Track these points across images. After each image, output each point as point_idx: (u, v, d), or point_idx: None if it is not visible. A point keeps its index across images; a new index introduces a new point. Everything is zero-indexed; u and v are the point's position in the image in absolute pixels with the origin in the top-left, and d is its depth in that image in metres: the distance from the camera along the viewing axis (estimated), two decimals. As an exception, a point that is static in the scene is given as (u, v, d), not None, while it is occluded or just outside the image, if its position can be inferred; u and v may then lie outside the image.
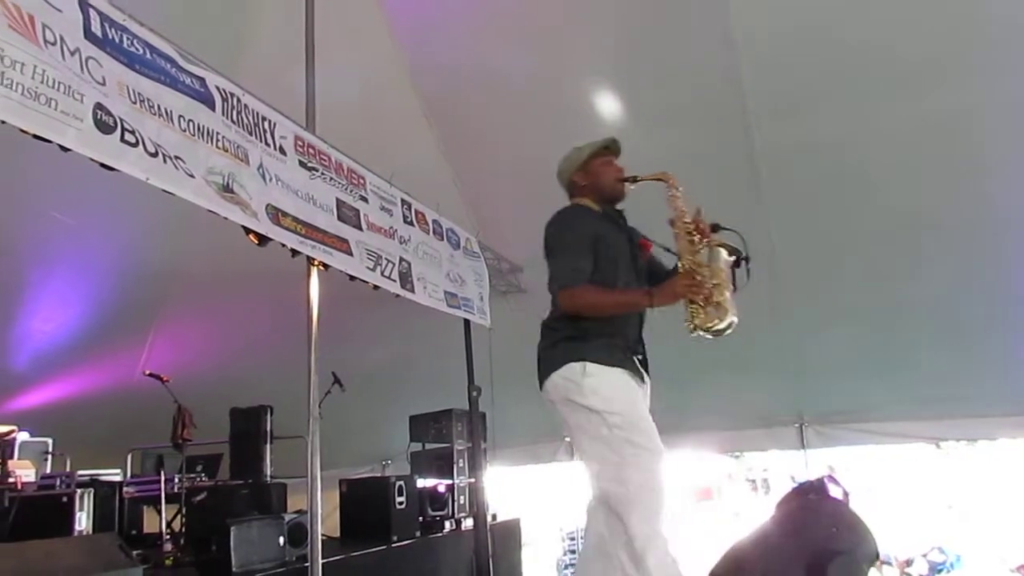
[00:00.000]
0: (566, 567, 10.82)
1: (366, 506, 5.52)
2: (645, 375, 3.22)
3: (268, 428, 6.05)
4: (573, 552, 10.85)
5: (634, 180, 3.32)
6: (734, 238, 3.14)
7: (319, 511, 4.13)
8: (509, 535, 6.61)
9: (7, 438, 4.48)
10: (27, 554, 3.02)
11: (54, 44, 2.77)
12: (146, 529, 5.79)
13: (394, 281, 4.90)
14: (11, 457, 4.51)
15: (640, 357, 3.24)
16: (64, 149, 2.78)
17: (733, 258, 3.09)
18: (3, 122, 2.60)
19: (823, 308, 6.91)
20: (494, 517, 6.39)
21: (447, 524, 6.14)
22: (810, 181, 6.10)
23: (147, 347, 7.51)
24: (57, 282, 6.77)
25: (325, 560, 4.12)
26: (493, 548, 5.84)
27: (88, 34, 2.93)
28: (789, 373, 7.35)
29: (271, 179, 3.86)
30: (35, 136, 2.70)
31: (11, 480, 4.38)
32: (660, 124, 6.10)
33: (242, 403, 6.15)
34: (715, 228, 3.13)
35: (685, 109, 5.90)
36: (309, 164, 4.25)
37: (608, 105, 6.07)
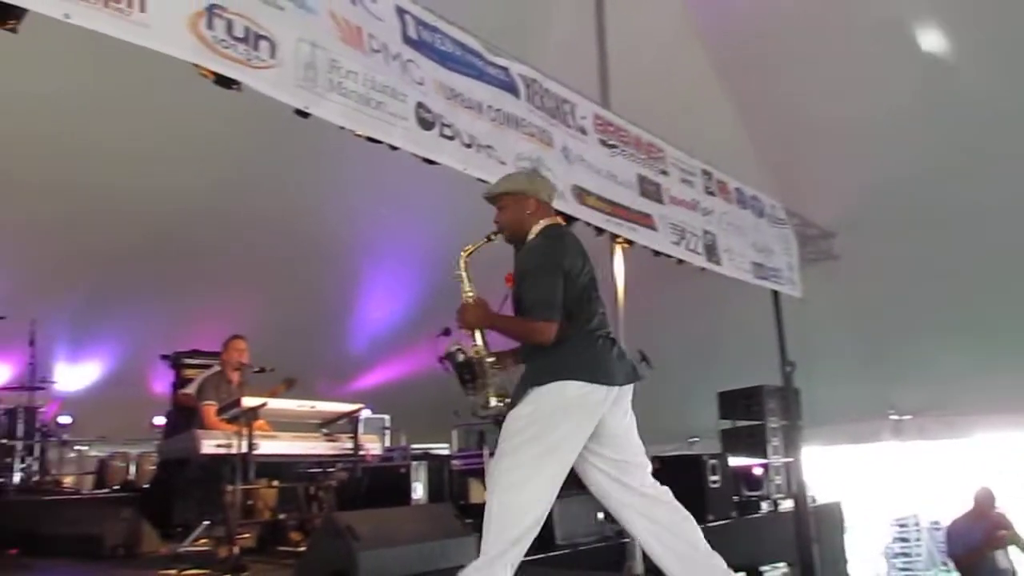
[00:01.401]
0: (895, 556, 9.89)
1: (679, 484, 5.26)
2: None
3: (579, 405, 6.17)
4: (903, 540, 9.88)
5: None
6: None
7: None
8: (830, 519, 6.20)
9: (355, 415, 4.97)
10: (381, 520, 3.36)
11: (378, 51, 2.99)
12: (471, 500, 6.18)
13: (700, 254, 4.77)
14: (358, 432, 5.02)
15: None
16: (392, 148, 3.00)
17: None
18: (341, 128, 2.85)
19: None
20: (813, 499, 6.00)
21: (763, 505, 5.88)
22: None
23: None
24: (384, 274, 7.48)
25: (644, 538, 4.10)
26: (815, 532, 5.49)
27: (406, 38, 3.15)
28: None
29: (574, 160, 3.91)
30: (367, 138, 2.93)
31: (362, 453, 4.86)
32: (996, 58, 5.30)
33: (549, 382, 6.32)
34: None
35: None
36: (609, 142, 4.25)
37: (932, 41, 5.37)
